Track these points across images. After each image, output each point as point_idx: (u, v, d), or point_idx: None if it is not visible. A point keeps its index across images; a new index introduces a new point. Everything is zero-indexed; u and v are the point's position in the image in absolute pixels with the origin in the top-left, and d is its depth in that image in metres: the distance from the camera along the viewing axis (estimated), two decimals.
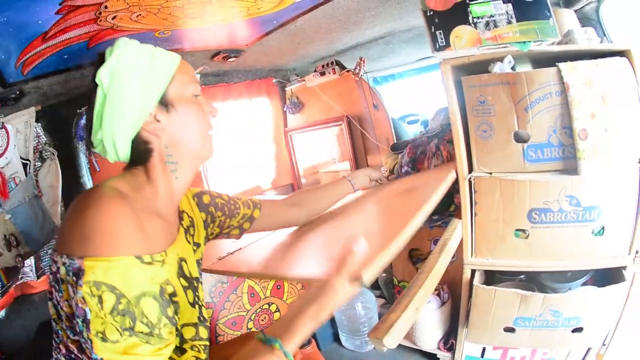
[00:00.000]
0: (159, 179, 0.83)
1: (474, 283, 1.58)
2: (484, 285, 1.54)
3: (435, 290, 1.95)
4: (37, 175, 1.79)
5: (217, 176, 2.63)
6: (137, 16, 1.34)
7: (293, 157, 3.07)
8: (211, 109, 0.91)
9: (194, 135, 0.86)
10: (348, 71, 2.40)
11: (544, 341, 1.50)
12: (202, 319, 0.85)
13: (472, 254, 1.59)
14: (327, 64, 2.47)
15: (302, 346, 1.91)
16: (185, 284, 0.80)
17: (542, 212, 1.38)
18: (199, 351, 0.77)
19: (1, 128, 1.66)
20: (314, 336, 2.18)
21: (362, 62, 2.29)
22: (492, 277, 1.71)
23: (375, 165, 2.50)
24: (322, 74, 2.51)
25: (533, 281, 1.60)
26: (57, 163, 1.84)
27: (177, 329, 0.73)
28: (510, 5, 1.33)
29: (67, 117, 1.94)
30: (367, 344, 2.14)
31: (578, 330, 1.42)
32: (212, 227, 1.11)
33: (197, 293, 0.85)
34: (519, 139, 1.38)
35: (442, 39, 1.40)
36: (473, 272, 1.62)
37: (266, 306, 2.04)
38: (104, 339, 0.60)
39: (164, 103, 0.81)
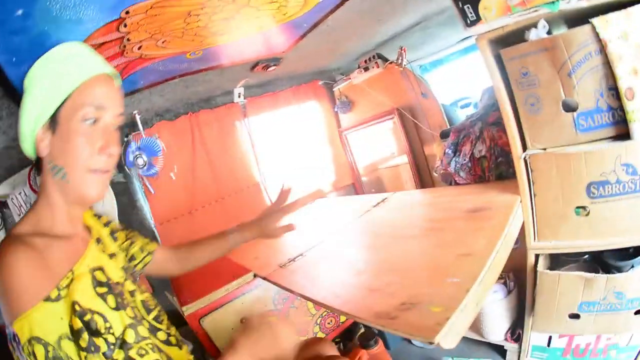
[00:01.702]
0: (50, 188, 0.81)
1: (538, 269, 1.48)
2: (548, 271, 1.45)
3: (501, 278, 1.84)
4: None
5: (277, 186, 2.67)
6: (163, 42, 1.39)
7: (350, 156, 3.07)
8: (105, 145, 0.81)
9: (70, 169, 0.79)
10: (391, 63, 2.35)
11: (609, 326, 1.39)
12: (138, 318, 0.83)
13: (535, 238, 1.50)
14: (370, 59, 2.44)
15: (369, 346, 1.89)
16: (102, 290, 0.79)
17: (600, 185, 1.27)
18: (146, 352, 0.76)
19: None
20: (382, 335, 2.16)
21: (403, 51, 2.23)
22: (557, 260, 1.59)
23: (435, 154, 2.41)
24: (366, 69, 2.48)
25: (597, 261, 1.48)
26: (110, 190, 1.93)
27: (114, 343, 0.74)
28: None
29: None
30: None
31: None
32: (120, 242, 1.07)
33: (123, 296, 0.83)
34: (568, 108, 1.27)
35: (471, 13, 1.33)
36: (537, 257, 1.52)
37: None
38: None
39: (54, 121, 0.78)
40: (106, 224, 1.04)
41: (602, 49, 1.13)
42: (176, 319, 1.95)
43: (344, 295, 1.17)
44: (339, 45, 2.29)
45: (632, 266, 1.34)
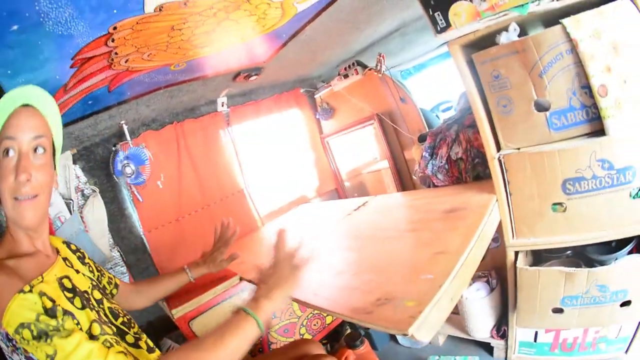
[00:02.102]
0: (9, 228, 0.93)
1: (517, 265, 1.52)
2: (527, 267, 1.48)
3: (484, 277, 1.88)
4: (82, 212, 1.92)
5: (261, 193, 2.72)
6: (148, 55, 1.42)
7: (332, 162, 3.10)
8: (17, 171, 0.87)
9: (3, 199, 0.88)
10: (370, 69, 2.39)
11: (594, 319, 1.42)
12: (102, 319, 0.93)
13: (513, 236, 1.54)
14: (349, 66, 2.48)
15: (355, 346, 1.91)
16: (69, 295, 0.89)
17: (576, 182, 1.31)
18: (111, 344, 0.83)
19: None
20: (369, 336, 2.18)
21: (381, 58, 2.27)
22: (540, 257, 1.63)
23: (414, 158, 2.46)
24: (346, 76, 2.52)
25: (580, 256, 1.51)
26: (100, 199, 1.98)
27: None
28: None
29: (103, 155, 2.07)
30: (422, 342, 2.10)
31: (626, 303, 1.32)
32: (89, 268, 1.17)
33: (89, 300, 0.95)
34: (540, 107, 1.32)
35: (442, 20, 1.38)
36: (516, 254, 1.56)
37: (317, 312, 2.06)
38: (49, 357, 0.73)
39: None
40: (75, 251, 1.14)
41: (574, 49, 1.17)
42: (168, 324, 1.98)
43: (324, 294, 1.21)
44: (318, 54, 2.32)
45: (616, 259, 1.38)
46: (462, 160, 1.81)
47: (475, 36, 1.37)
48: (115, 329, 0.95)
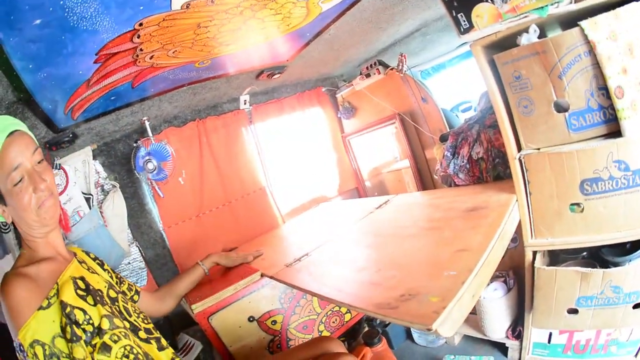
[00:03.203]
0: (24, 233, 1.04)
1: (535, 265, 1.52)
2: (545, 267, 1.48)
3: (501, 277, 1.88)
4: (101, 208, 1.97)
5: (282, 191, 2.76)
6: (174, 52, 1.45)
7: (354, 161, 3.13)
8: (36, 186, 1.00)
9: (24, 217, 1.01)
10: (392, 69, 2.41)
11: (607, 320, 1.42)
12: (114, 312, 1.04)
13: (532, 235, 1.54)
14: (371, 65, 2.50)
15: (373, 344, 1.93)
16: (82, 293, 1.00)
17: (594, 182, 1.31)
18: (119, 338, 0.96)
19: (59, 169, 1.85)
20: (386, 335, 2.20)
21: (403, 57, 2.29)
22: (557, 258, 1.63)
23: (435, 157, 2.47)
24: (368, 75, 2.54)
25: (595, 258, 1.50)
26: (120, 194, 2.03)
27: (92, 332, 0.94)
28: None
29: (124, 151, 2.14)
30: (439, 339, 2.11)
31: (639, 306, 1.32)
32: (109, 274, 1.26)
33: (102, 298, 1.05)
34: (560, 108, 1.32)
35: (465, 21, 1.39)
36: (534, 254, 1.56)
37: (337, 308, 2.08)
38: None
39: (1, 197, 0.99)
40: (94, 259, 1.25)
41: (591, 50, 1.17)
42: (185, 320, 2.05)
43: (346, 290, 1.23)
44: (341, 53, 2.36)
45: (630, 261, 1.37)
46: (483, 160, 1.82)
47: (496, 37, 1.38)
48: (128, 325, 1.06)
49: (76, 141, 1.87)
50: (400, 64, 2.32)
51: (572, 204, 1.39)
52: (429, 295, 0.97)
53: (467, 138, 1.87)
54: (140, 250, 2.17)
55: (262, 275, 1.67)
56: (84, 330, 0.92)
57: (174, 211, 2.25)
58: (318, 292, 1.29)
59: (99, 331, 0.94)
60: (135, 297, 1.35)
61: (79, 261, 1.12)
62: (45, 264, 1.01)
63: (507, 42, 1.39)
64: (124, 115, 1.88)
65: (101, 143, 2.06)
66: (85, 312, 0.94)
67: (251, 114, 2.62)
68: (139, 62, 1.41)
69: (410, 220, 1.76)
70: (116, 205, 2.00)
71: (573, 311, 1.45)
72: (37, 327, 0.87)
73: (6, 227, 1.53)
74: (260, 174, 2.64)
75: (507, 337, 1.82)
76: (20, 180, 0.98)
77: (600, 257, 1.46)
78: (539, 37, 1.30)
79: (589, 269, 1.35)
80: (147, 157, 2.05)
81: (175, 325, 2.12)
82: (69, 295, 0.95)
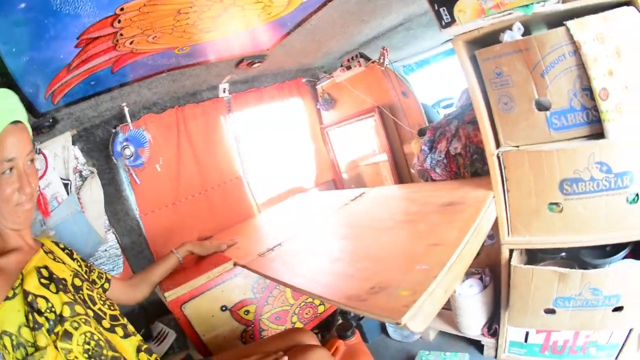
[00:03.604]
0: None
1: (511, 263, 1.52)
2: (521, 265, 1.49)
3: (478, 274, 1.89)
4: (79, 193, 1.93)
5: (259, 180, 2.73)
6: (153, 38, 1.42)
7: (331, 153, 3.11)
8: (21, 187, 0.99)
9: (1, 206, 0.99)
10: (373, 62, 2.38)
11: (585, 322, 1.42)
12: (77, 300, 1.03)
13: (508, 233, 1.54)
14: (352, 58, 2.47)
15: (346, 337, 1.92)
16: (45, 282, 0.99)
17: (574, 182, 1.31)
18: (79, 325, 0.97)
19: (39, 153, 1.80)
20: (360, 328, 2.19)
21: (385, 51, 2.26)
22: (534, 258, 1.63)
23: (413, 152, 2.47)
24: (349, 67, 2.51)
25: (573, 259, 1.52)
26: (98, 180, 1.98)
27: (54, 320, 0.94)
28: None
29: (102, 137, 2.08)
30: (414, 334, 2.11)
31: (618, 309, 1.33)
32: (78, 263, 1.26)
33: (66, 285, 1.05)
34: (541, 107, 1.32)
35: (447, 15, 1.36)
36: (511, 251, 1.56)
37: (310, 300, 2.07)
38: None
39: None
40: (63, 249, 1.23)
41: (577, 51, 1.16)
42: (160, 309, 2.03)
43: (318, 280, 1.22)
44: (322, 44, 2.32)
45: (609, 264, 1.38)
46: (461, 155, 1.82)
47: (479, 33, 1.36)
48: (92, 313, 1.05)
49: (56, 126, 1.83)
50: (382, 58, 2.29)
51: (550, 203, 1.38)
52: (399, 288, 0.96)
53: (445, 133, 1.86)
54: (116, 237, 2.14)
55: (234, 264, 1.66)
56: (47, 319, 0.92)
57: (151, 198, 2.21)
58: (289, 282, 1.28)
59: (60, 319, 0.95)
60: (106, 285, 1.34)
61: (45, 251, 1.11)
62: (13, 255, 1.01)
63: (490, 39, 1.36)
64: (104, 100, 1.85)
65: (81, 128, 2.00)
66: (47, 300, 0.95)
67: (230, 103, 2.56)
68: (119, 47, 1.39)
69: (386, 213, 1.76)
70: (94, 192, 1.96)
71: (550, 311, 1.45)
72: (4, 318, 0.88)
73: None
74: (237, 162, 2.61)
75: (482, 334, 1.83)
76: (9, 172, 0.98)
77: (579, 258, 1.47)
78: (523, 36, 1.28)
79: (567, 269, 1.35)
80: (124, 143, 2.02)
81: (150, 314, 2.10)
82: (32, 284, 0.95)
